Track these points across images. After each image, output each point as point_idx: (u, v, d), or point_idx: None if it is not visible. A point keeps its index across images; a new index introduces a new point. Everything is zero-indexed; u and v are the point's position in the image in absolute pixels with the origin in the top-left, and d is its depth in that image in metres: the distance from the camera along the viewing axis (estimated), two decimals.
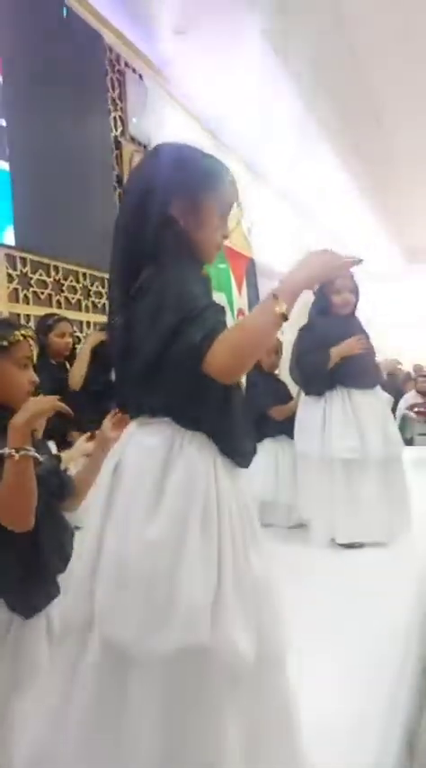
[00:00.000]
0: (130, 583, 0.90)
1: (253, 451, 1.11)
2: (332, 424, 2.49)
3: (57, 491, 1.23)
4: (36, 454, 1.06)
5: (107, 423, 1.32)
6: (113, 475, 0.99)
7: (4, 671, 1.15)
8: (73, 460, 1.42)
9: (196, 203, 1.03)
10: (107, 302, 1.17)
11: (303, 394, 2.68)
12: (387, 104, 6.08)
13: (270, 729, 0.97)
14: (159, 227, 1.02)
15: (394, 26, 4.68)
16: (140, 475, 0.95)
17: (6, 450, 1.02)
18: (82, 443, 1.43)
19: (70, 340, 3.03)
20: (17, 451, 1.02)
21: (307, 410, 2.61)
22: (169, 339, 0.93)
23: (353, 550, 2.42)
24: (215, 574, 0.91)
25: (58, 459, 1.33)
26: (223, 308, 0.99)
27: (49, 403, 1.08)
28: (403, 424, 6.92)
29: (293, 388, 2.95)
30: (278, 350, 3.03)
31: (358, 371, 2.53)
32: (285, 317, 0.91)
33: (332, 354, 2.48)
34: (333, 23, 4.49)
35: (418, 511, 2.72)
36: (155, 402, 0.99)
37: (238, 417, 1.02)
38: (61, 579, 1.16)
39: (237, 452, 1.01)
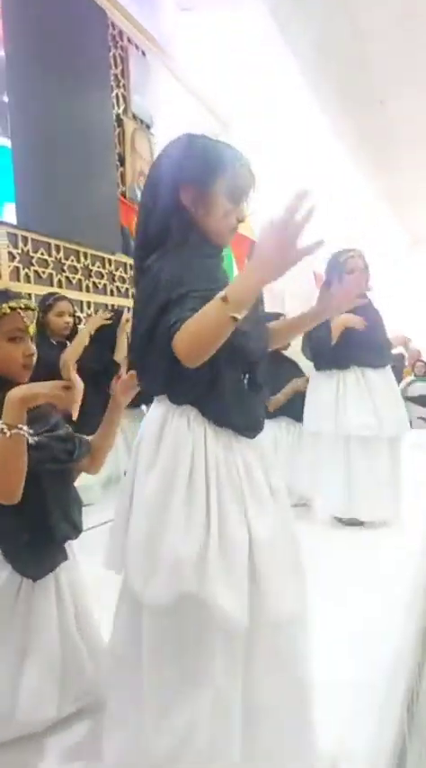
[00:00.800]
0: (136, 536, 1.02)
1: (257, 421, 1.11)
2: (346, 402, 2.50)
3: (66, 456, 1.23)
4: (28, 432, 1.04)
5: (116, 386, 1.33)
6: (137, 447, 1.10)
7: (14, 634, 1.18)
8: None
9: (203, 190, 1.07)
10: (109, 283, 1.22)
11: (313, 375, 2.69)
12: (391, 87, 6.03)
13: (270, 689, 0.99)
14: (168, 213, 1.07)
15: (398, 8, 4.62)
16: (145, 444, 1.07)
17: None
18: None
19: (70, 319, 3.02)
20: (9, 429, 1.02)
21: (320, 389, 2.62)
22: (156, 321, 0.99)
23: (354, 527, 2.45)
24: (201, 532, 0.97)
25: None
26: (212, 293, 0.95)
27: (53, 390, 1.05)
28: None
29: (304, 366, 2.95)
30: None
31: (371, 350, 2.55)
32: (235, 319, 0.91)
33: (332, 327, 2.48)
34: (338, 4, 4.44)
35: (418, 492, 2.75)
36: (152, 380, 1.08)
37: (231, 389, 1.04)
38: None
39: (232, 423, 1.05)
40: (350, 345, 2.50)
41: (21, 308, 1.24)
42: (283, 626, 1.01)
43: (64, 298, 3.08)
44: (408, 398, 7.32)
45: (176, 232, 1.06)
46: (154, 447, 1.04)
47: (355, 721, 1.18)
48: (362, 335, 2.50)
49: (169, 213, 1.07)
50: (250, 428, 1.08)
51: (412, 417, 7.10)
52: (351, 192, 9.12)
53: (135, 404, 1.47)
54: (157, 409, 1.07)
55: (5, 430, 1.02)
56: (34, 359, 1.26)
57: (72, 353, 2.82)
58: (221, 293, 0.91)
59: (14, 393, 1.03)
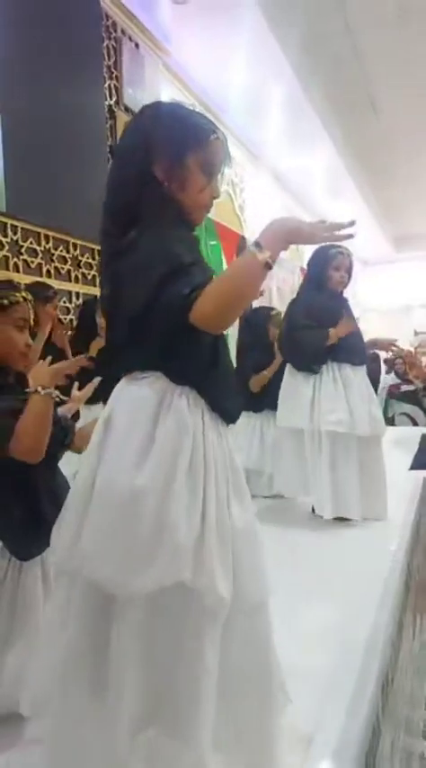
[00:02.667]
0: (118, 527, 0.94)
1: (240, 409, 1.15)
2: (321, 398, 2.52)
3: (60, 438, 1.28)
4: (57, 394, 1.22)
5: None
6: (105, 426, 1.02)
7: (0, 614, 1.20)
8: (70, 411, 1.47)
9: (178, 162, 1.03)
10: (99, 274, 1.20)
11: (288, 368, 2.68)
12: (383, 90, 6.06)
13: (245, 670, 1.02)
14: (142, 186, 1.02)
15: (390, 6, 4.65)
16: (131, 426, 0.98)
17: (34, 388, 1.19)
18: (75, 393, 1.50)
19: (55, 312, 3.09)
20: (43, 389, 1.18)
21: (295, 384, 2.63)
22: (157, 293, 0.95)
23: (332, 522, 2.49)
24: (198, 520, 0.95)
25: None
26: (209, 268, 1.02)
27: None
28: (385, 404, 7.07)
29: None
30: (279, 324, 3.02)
31: (349, 348, 2.57)
32: (269, 266, 0.93)
33: (331, 334, 2.50)
34: (332, 3, 4.46)
35: (399, 489, 2.80)
36: (145, 356, 1.01)
37: (225, 374, 1.06)
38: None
39: (223, 408, 1.04)
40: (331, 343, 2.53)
41: (30, 301, 1.30)
42: (253, 611, 1.03)
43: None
44: (391, 395, 7.42)
45: (151, 206, 1.02)
46: (147, 431, 0.96)
47: (329, 706, 1.22)
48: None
49: (143, 186, 1.02)
50: (236, 413, 1.09)
51: (394, 414, 7.20)
52: (340, 194, 9.17)
53: (94, 400, 1.50)
54: (149, 387, 0.99)
55: (40, 389, 1.18)
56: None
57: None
58: (255, 240, 0.94)
59: (42, 365, 1.24)
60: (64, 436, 1.29)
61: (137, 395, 1.00)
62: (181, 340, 0.96)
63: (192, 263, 0.97)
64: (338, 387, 2.53)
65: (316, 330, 2.53)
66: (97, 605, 0.97)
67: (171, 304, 0.94)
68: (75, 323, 3.68)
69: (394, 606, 1.69)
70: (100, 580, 0.94)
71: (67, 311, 3.86)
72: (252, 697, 1.03)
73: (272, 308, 3.34)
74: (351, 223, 1.01)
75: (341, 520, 2.47)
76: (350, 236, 1.04)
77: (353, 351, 2.59)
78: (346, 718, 1.18)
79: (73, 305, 3.86)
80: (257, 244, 0.93)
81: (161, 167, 1.02)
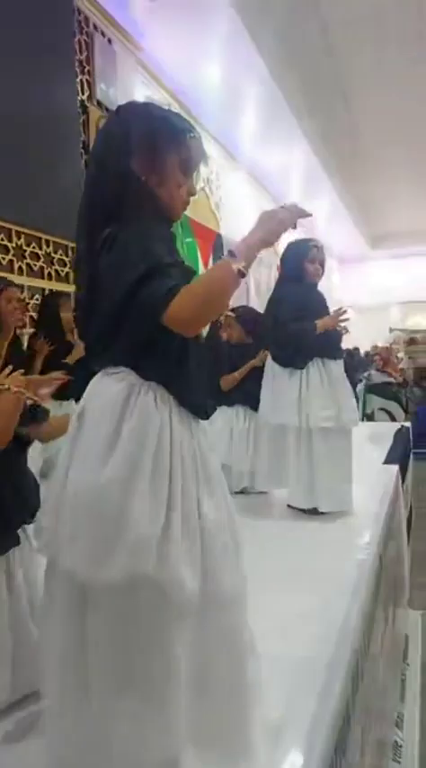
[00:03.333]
0: (85, 517, 0.96)
1: (212, 407, 1.15)
2: (310, 396, 2.53)
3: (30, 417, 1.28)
4: (30, 396, 1.22)
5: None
6: (78, 420, 1.04)
7: None
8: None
9: (157, 158, 1.05)
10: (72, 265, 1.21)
11: (275, 368, 2.67)
12: (356, 88, 6.13)
13: (218, 664, 1.02)
14: (121, 181, 1.03)
15: (364, 8, 4.71)
16: (100, 420, 1.00)
17: (6, 386, 1.18)
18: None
19: (17, 305, 2.95)
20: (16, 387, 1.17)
21: (282, 382, 2.61)
22: (134, 291, 0.96)
23: (305, 515, 2.50)
24: (164, 512, 0.96)
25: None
26: (188, 267, 1.03)
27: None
28: (365, 400, 7.16)
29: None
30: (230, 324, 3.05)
31: (331, 343, 2.58)
32: (242, 274, 0.97)
33: (319, 325, 2.51)
34: (305, 2, 4.49)
35: (373, 482, 2.84)
36: (116, 352, 1.03)
37: (195, 372, 1.07)
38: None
39: (193, 405, 1.06)
40: (316, 339, 2.52)
41: None
42: (228, 605, 1.03)
43: (11, 283, 2.97)
44: (369, 389, 7.51)
45: (131, 201, 1.03)
46: (114, 426, 0.98)
47: (299, 696, 1.23)
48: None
49: (122, 181, 1.04)
50: (207, 410, 1.10)
51: (373, 409, 7.29)
52: (316, 192, 9.23)
53: (66, 396, 1.49)
54: (118, 383, 1.01)
55: (12, 387, 1.17)
56: None
57: None
58: (230, 251, 0.97)
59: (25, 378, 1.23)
60: (33, 416, 1.28)
61: (107, 390, 1.02)
62: (150, 337, 0.98)
63: (172, 263, 0.99)
64: (324, 383, 2.54)
65: (304, 323, 2.53)
66: (73, 596, 0.99)
67: (147, 303, 0.95)
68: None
69: (366, 598, 1.70)
70: (71, 568, 0.97)
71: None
72: (227, 690, 1.03)
73: (252, 308, 3.34)
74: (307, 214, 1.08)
75: (314, 513, 2.49)
76: (309, 215, 1.12)
77: (334, 345, 2.61)
78: (316, 707, 1.19)
79: None
80: (231, 253, 0.97)
81: (139, 163, 1.04)
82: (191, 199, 1.14)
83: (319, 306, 2.60)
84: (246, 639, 1.09)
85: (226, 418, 2.97)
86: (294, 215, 1.07)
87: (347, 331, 2.68)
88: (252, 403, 2.84)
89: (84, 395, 1.06)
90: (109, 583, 0.93)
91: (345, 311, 2.63)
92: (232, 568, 1.04)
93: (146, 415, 0.99)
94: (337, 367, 2.59)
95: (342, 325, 2.64)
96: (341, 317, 2.60)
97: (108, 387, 1.02)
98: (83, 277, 1.07)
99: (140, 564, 0.93)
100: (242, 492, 2.87)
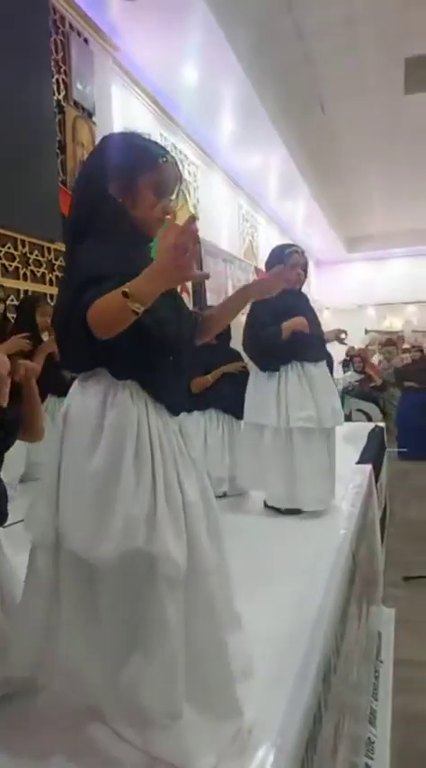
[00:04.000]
0: (79, 504, 1.09)
1: (183, 402, 1.24)
2: (288, 397, 2.56)
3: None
4: None
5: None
6: (63, 420, 1.16)
7: None
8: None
9: (130, 183, 1.16)
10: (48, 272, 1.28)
11: (256, 372, 2.71)
12: (331, 92, 6.19)
13: (202, 630, 1.12)
14: (98, 203, 1.16)
15: (339, 9, 4.76)
16: (83, 419, 1.12)
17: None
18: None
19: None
20: None
21: (261, 384, 2.66)
22: (74, 300, 1.05)
23: (281, 514, 2.53)
24: (148, 493, 1.09)
25: None
26: (126, 279, 1.00)
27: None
28: (342, 401, 7.24)
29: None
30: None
31: (310, 345, 2.59)
32: (136, 313, 0.98)
33: (284, 328, 2.54)
34: (280, 6, 4.53)
35: (346, 482, 2.87)
36: (86, 358, 1.13)
37: (167, 371, 1.18)
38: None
39: (165, 400, 1.17)
40: (291, 341, 2.56)
41: None
42: (208, 575, 1.14)
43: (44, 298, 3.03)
44: (346, 390, 7.61)
45: (104, 220, 1.16)
46: (96, 421, 1.10)
47: (271, 693, 1.25)
48: (302, 332, 2.56)
49: (99, 203, 1.16)
50: (176, 406, 1.21)
51: (351, 410, 7.40)
52: (293, 195, 9.31)
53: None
54: (94, 385, 1.12)
55: None
56: None
57: None
58: (123, 287, 0.97)
59: None
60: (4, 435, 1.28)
61: (87, 392, 1.13)
62: (108, 343, 1.05)
63: (109, 275, 1.03)
64: (303, 384, 2.57)
65: (271, 328, 2.57)
66: (81, 573, 1.12)
67: (77, 311, 1.05)
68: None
69: (339, 596, 1.73)
70: (75, 547, 1.10)
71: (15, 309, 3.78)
72: (211, 656, 1.13)
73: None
74: (192, 220, 1.00)
75: (290, 512, 2.52)
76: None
77: (314, 348, 2.63)
78: (288, 704, 1.21)
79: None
80: (125, 293, 0.97)
81: (115, 187, 1.16)
82: (169, 199, 1.23)
83: (300, 311, 2.61)
84: (230, 611, 1.24)
85: (200, 423, 2.96)
86: (190, 253, 0.97)
87: (344, 343, 2.83)
88: (226, 406, 2.86)
89: (67, 398, 1.18)
90: (106, 560, 1.06)
91: (344, 333, 2.79)
92: (212, 542, 1.17)
93: (123, 408, 1.11)
94: (317, 369, 2.62)
95: (342, 337, 2.80)
96: (340, 336, 2.76)
97: (87, 388, 1.14)
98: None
99: (132, 541, 1.05)
100: (221, 497, 2.88)
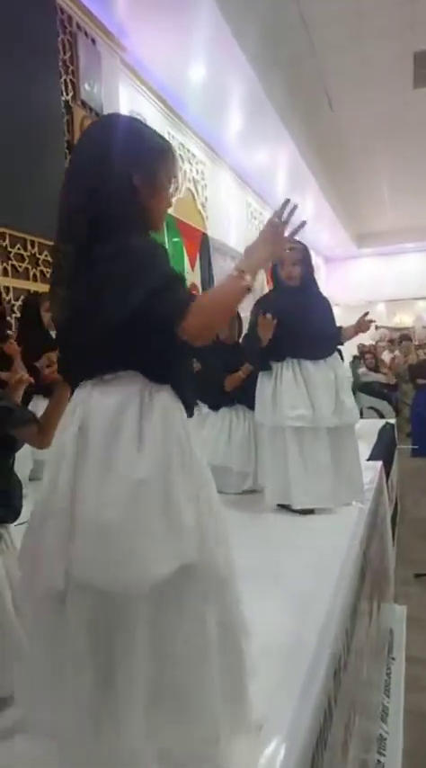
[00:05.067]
0: (123, 525, 0.95)
1: (195, 404, 1.22)
2: (282, 394, 2.54)
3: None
4: None
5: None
6: (80, 436, 1.02)
7: None
8: None
9: (152, 175, 1.12)
10: (54, 269, 1.19)
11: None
12: (338, 86, 6.16)
13: (224, 640, 1.07)
14: (124, 196, 1.08)
15: (347, 6, 4.74)
16: (115, 429, 1.00)
17: None
18: None
19: None
20: None
21: (262, 381, 2.67)
22: (148, 304, 0.99)
23: (301, 515, 2.52)
24: (194, 503, 1.02)
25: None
26: (183, 278, 1.10)
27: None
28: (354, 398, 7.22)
29: None
30: (232, 323, 3.04)
31: (308, 343, 2.54)
32: (249, 289, 1.06)
33: (261, 336, 2.54)
34: (287, 0, 4.51)
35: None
36: (118, 359, 1.04)
37: (190, 373, 1.19)
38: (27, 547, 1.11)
39: (187, 403, 1.12)
40: (283, 338, 2.53)
41: None
42: (227, 581, 1.10)
43: None
44: (359, 387, 7.58)
45: (133, 214, 1.09)
46: (135, 426, 1.00)
47: (281, 690, 1.25)
48: (297, 328, 2.52)
49: (125, 196, 1.08)
50: (191, 408, 1.16)
51: (362, 407, 7.37)
52: (301, 191, 9.26)
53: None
54: (126, 387, 1.03)
55: None
56: None
57: None
58: (237, 267, 1.06)
59: None
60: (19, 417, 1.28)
61: (115, 398, 1.02)
62: (165, 346, 1.03)
63: (180, 278, 1.07)
64: (299, 382, 2.54)
65: (251, 338, 2.61)
66: (95, 615, 0.98)
67: (163, 316, 1.00)
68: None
69: (349, 593, 1.73)
70: (110, 584, 0.95)
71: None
72: (235, 665, 1.10)
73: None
74: (287, 202, 1.15)
75: (305, 511, 2.51)
76: (303, 225, 1.23)
77: (313, 345, 2.56)
78: (299, 701, 1.21)
79: None
80: (241, 271, 1.05)
81: (140, 176, 1.09)
82: (178, 198, 1.24)
83: (301, 309, 2.56)
84: (242, 616, 1.16)
85: (225, 419, 2.99)
86: (288, 237, 1.16)
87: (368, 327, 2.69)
88: (252, 403, 2.86)
89: (78, 409, 1.05)
90: (158, 581, 0.95)
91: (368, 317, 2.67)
92: (228, 547, 1.12)
93: (167, 410, 1.04)
94: (315, 367, 2.57)
95: (367, 319, 2.65)
96: (366, 318, 2.65)
97: (113, 394, 1.03)
98: (75, 286, 1.07)
99: (189, 554, 0.98)
100: (242, 493, 2.88)
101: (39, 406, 1.91)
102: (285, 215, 1.14)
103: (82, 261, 1.06)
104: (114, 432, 0.99)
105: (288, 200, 1.14)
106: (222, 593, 1.07)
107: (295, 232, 1.19)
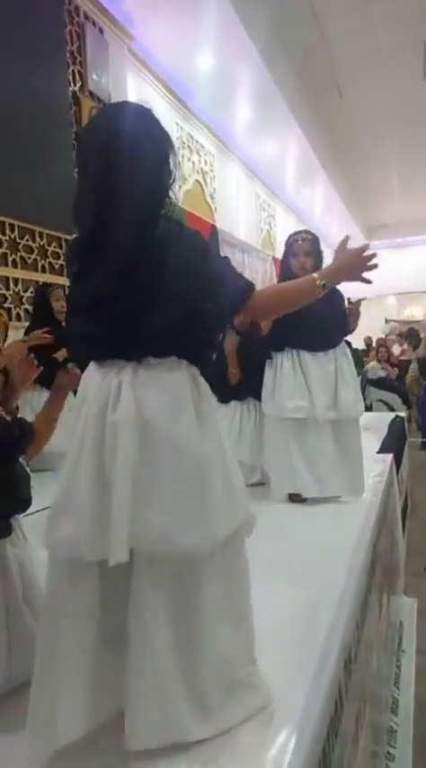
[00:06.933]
0: (193, 493, 1.05)
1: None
2: (281, 385, 2.53)
3: (11, 443, 1.26)
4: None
5: (64, 378, 1.42)
6: (138, 417, 1.03)
7: None
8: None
9: (175, 161, 1.16)
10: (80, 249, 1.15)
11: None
12: (348, 75, 6.10)
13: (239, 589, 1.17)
14: (163, 182, 1.12)
15: None
16: (178, 409, 1.06)
17: None
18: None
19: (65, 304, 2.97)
20: None
21: (267, 372, 2.66)
22: (218, 287, 1.11)
23: (308, 504, 2.51)
24: (238, 469, 1.16)
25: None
26: None
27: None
28: (364, 392, 7.19)
29: None
30: None
31: (307, 334, 2.49)
32: (323, 288, 1.24)
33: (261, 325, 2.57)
34: None
35: (367, 471, 2.84)
36: (180, 343, 1.09)
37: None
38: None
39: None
40: (283, 328, 2.47)
41: None
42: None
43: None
44: (368, 381, 7.54)
45: (168, 200, 1.13)
46: (195, 408, 1.08)
47: (292, 681, 1.24)
48: (297, 319, 2.47)
49: (164, 181, 1.12)
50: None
51: (371, 401, 7.33)
52: (310, 182, 9.19)
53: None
54: (180, 372, 1.09)
55: None
56: None
57: None
58: (318, 276, 1.25)
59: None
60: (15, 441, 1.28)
61: (173, 380, 1.08)
62: (217, 331, 1.20)
63: (228, 260, 1.19)
64: (297, 373, 2.52)
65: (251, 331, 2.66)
66: (170, 582, 1.05)
67: (231, 298, 1.13)
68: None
69: (359, 585, 1.71)
70: (191, 550, 1.03)
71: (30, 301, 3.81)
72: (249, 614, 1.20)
73: None
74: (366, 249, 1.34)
75: (302, 500, 2.50)
76: (375, 266, 1.32)
77: (312, 337, 2.51)
78: (309, 692, 1.20)
79: None
80: (322, 280, 1.24)
81: (169, 165, 1.14)
82: (187, 190, 1.27)
83: (316, 302, 2.54)
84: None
85: (236, 411, 2.98)
86: (364, 261, 1.31)
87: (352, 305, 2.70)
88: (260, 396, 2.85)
89: (128, 390, 1.04)
90: (224, 539, 1.07)
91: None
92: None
93: (210, 395, 1.15)
94: (314, 358, 2.53)
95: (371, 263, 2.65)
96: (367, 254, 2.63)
97: (169, 377, 1.07)
98: (136, 266, 1.06)
99: (240, 513, 1.12)
100: (252, 485, 2.87)
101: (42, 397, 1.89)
102: (368, 252, 1.31)
103: (143, 238, 1.07)
104: (178, 411, 1.06)
105: (366, 245, 1.36)
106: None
107: (367, 280, 1.33)
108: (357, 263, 1.30)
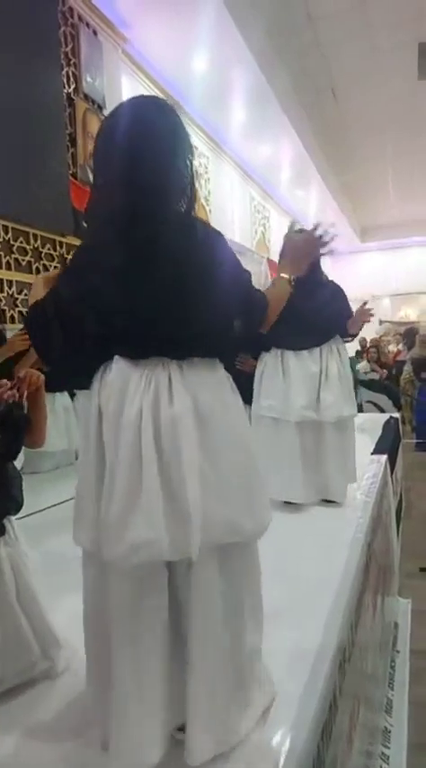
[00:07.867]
0: (243, 482, 1.10)
1: None
2: (262, 384, 2.54)
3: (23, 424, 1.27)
4: None
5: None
6: (195, 413, 1.04)
7: None
8: None
9: (192, 160, 1.21)
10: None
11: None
12: (342, 78, 6.11)
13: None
14: (191, 180, 1.15)
15: None
16: (226, 404, 1.12)
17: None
18: None
19: None
20: None
21: (256, 373, 2.66)
22: (250, 293, 1.21)
23: (301, 506, 2.51)
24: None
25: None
26: None
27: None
28: (355, 393, 7.20)
29: None
30: None
31: (292, 333, 2.38)
32: (289, 283, 1.33)
33: None
34: None
35: (361, 472, 2.85)
36: (212, 345, 1.11)
37: None
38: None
39: None
40: (272, 328, 2.46)
41: None
42: None
43: None
44: (359, 381, 7.56)
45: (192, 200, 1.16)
46: (238, 405, 1.16)
47: (287, 681, 1.24)
48: (282, 318, 2.46)
49: (191, 180, 1.15)
50: None
51: (361, 401, 7.35)
52: (304, 183, 9.21)
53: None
54: (215, 373, 1.12)
55: None
56: None
57: None
58: (284, 276, 1.32)
59: None
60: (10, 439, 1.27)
61: (218, 379, 1.13)
62: (245, 335, 1.22)
63: None
64: (278, 372, 2.51)
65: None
66: (224, 569, 1.09)
67: (259, 307, 1.22)
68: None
69: (354, 586, 1.72)
70: (242, 535, 1.07)
71: (25, 303, 3.79)
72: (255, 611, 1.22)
73: None
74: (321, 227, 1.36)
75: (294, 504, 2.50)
76: (334, 237, 1.39)
77: (297, 335, 2.46)
78: (303, 692, 1.21)
79: None
80: (289, 281, 1.32)
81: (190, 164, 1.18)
82: None
83: (297, 299, 2.52)
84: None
85: None
86: (314, 241, 1.37)
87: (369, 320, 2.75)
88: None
89: (180, 386, 1.04)
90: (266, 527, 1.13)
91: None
92: None
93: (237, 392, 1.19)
94: (296, 358, 2.51)
95: (366, 308, 2.75)
96: (365, 308, 2.74)
97: (215, 375, 1.12)
98: (167, 266, 1.05)
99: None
100: None
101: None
102: (320, 234, 1.35)
103: (173, 230, 1.07)
104: (227, 407, 1.11)
105: (317, 226, 1.36)
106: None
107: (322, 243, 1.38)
108: (306, 247, 1.38)
